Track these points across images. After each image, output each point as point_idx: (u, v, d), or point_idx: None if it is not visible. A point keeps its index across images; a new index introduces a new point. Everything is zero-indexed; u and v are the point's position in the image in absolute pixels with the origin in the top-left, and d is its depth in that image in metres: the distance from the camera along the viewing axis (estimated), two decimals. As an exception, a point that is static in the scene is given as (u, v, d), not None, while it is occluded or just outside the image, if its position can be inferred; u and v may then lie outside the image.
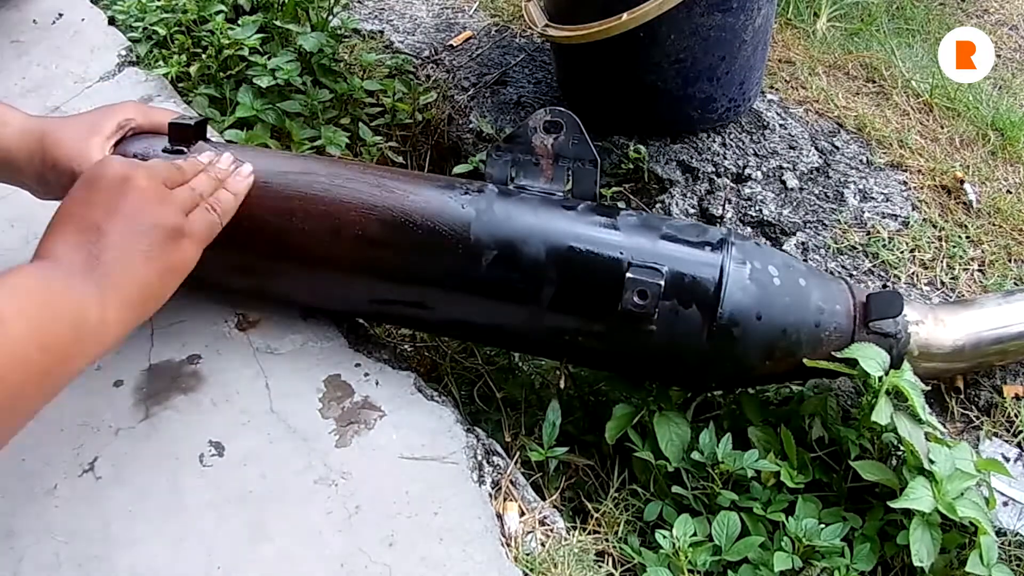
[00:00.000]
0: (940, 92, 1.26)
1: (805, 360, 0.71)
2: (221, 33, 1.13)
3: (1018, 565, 0.74)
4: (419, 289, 0.72)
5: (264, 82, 1.08)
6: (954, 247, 1.00)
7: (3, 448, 0.53)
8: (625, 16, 0.97)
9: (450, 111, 1.31)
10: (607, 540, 0.73)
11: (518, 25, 1.44)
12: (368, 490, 0.66)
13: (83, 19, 1.22)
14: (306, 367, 0.75)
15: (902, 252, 1.00)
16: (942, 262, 0.99)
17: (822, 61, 1.35)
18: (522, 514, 0.68)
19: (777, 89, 1.27)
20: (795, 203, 1.08)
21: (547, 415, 0.79)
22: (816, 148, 1.15)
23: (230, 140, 1.03)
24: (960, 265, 0.99)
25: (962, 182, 1.09)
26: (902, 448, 0.72)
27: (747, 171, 1.12)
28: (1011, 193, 1.08)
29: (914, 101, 1.26)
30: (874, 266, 0.99)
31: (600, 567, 0.68)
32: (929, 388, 0.73)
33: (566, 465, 0.80)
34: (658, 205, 1.12)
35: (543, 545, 0.66)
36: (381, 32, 1.45)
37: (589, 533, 0.72)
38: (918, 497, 0.66)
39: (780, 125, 1.18)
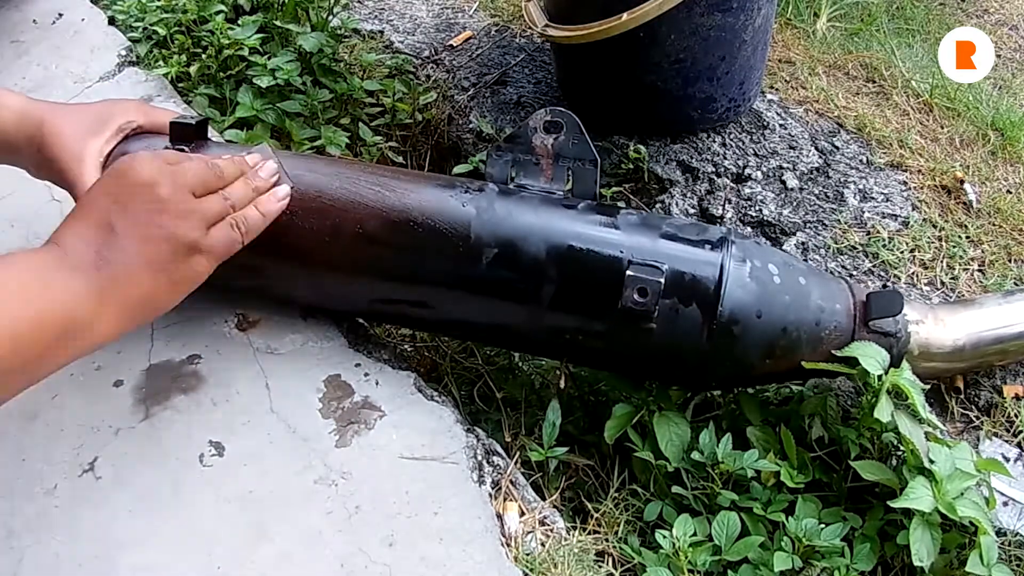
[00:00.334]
0: (940, 92, 1.26)
1: (804, 363, 0.71)
2: (221, 33, 1.13)
3: (1018, 565, 0.74)
4: (419, 288, 0.72)
5: (264, 82, 1.08)
6: (954, 247, 1.00)
7: None
8: (625, 16, 0.97)
9: (450, 111, 1.31)
10: (607, 540, 0.73)
11: (518, 25, 1.44)
12: (368, 490, 0.66)
13: (83, 19, 1.22)
14: (306, 367, 0.75)
15: (902, 252, 1.00)
16: (942, 262, 0.99)
17: (822, 61, 1.35)
18: (522, 514, 0.68)
19: (777, 89, 1.27)
20: (795, 203, 1.08)
21: (547, 415, 0.79)
22: (816, 148, 1.15)
23: (230, 140, 1.03)
24: (960, 265, 0.99)
25: (962, 182, 1.09)
26: (902, 448, 0.72)
27: (747, 171, 1.12)
28: (1011, 193, 1.08)
29: (914, 101, 1.26)
30: (874, 266, 0.99)
31: (600, 567, 0.68)
32: (929, 388, 0.73)
33: (566, 465, 0.80)
34: (658, 205, 1.12)
35: (543, 545, 0.66)
36: (381, 32, 1.45)
37: (589, 533, 0.72)
38: (918, 497, 0.66)
39: (780, 125, 1.18)
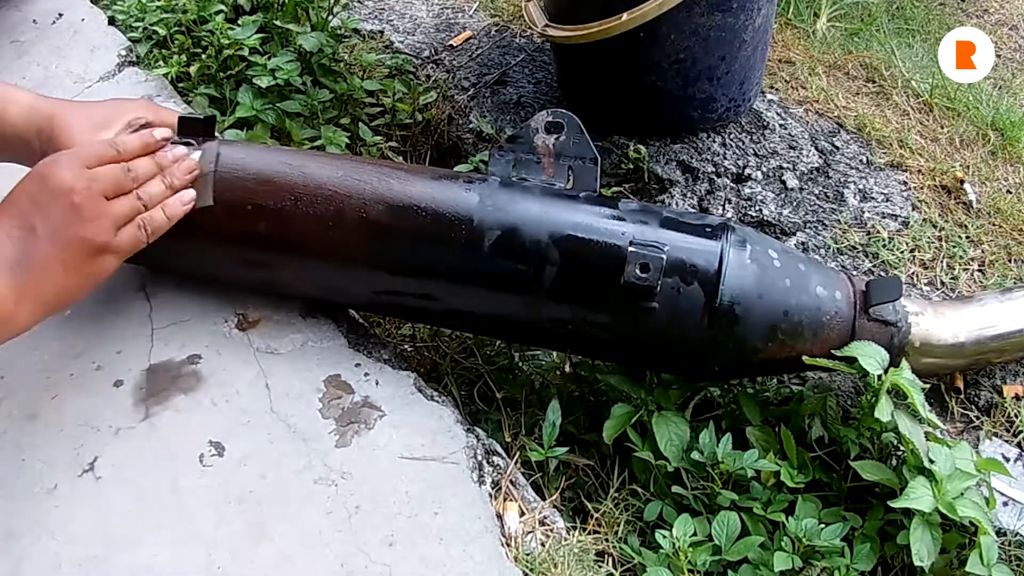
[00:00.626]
0: (940, 92, 1.26)
1: (805, 358, 0.71)
2: (221, 33, 1.13)
3: (1018, 565, 0.74)
4: (422, 274, 0.72)
5: (264, 82, 1.08)
6: (954, 247, 1.00)
7: None
8: (625, 16, 0.97)
9: (450, 111, 1.31)
10: (607, 540, 0.73)
11: (518, 25, 1.44)
12: (368, 490, 0.66)
13: (83, 19, 1.22)
14: (306, 367, 0.75)
15: (902, 252, 1.00)
16: (942, 262, 0.99)
17: (822, 61, 1.34)
18: (522, 514, 0.68)
19: (777, 89, 1.27)
20: (795, 203, 1.08)
21: (547, 415, 0.79)
22: (816, 148, 1.15)
23: (230, 140, 1.03)
24: (960, 265, 0.99)
25: (962, 182, 1.09)
26: (902, 448, 0.72)
27: (747, 171, 1.12)
28: (1011, 193, 1.08)
29: (914, 101, 1.26)
30: (874, 266, 0.99)
31: (600, 567, 0.68)
32: (928, 388, 0.73)
33: (566, 465, 0.80)
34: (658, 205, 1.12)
35: (543, 545, 0.66)
36: (381, 32, 1.45)
37: (589, 533, 0.72)
38: (918, 497, 0.66)
39: (780, 125, 1.18)
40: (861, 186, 1.09)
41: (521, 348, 0.98)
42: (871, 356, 0.70)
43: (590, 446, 0.83)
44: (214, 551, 0.62)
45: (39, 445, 0.68)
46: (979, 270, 0.98)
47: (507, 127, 1.24)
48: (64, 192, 0.64)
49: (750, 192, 1.09)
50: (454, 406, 0.75)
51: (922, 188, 1.09)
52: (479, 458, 0.70)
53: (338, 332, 0.78)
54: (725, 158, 1.14)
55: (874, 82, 1.31)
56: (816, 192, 1.09)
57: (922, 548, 0.66)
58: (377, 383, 0.74)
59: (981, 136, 1.18)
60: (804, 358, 0.73)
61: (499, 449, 0.73)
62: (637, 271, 0.68)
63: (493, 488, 0.68)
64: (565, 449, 0.78)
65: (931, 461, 0.68)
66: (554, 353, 0.93)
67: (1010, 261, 0.99)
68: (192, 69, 1.13)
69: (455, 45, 1.42)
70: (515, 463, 0.72)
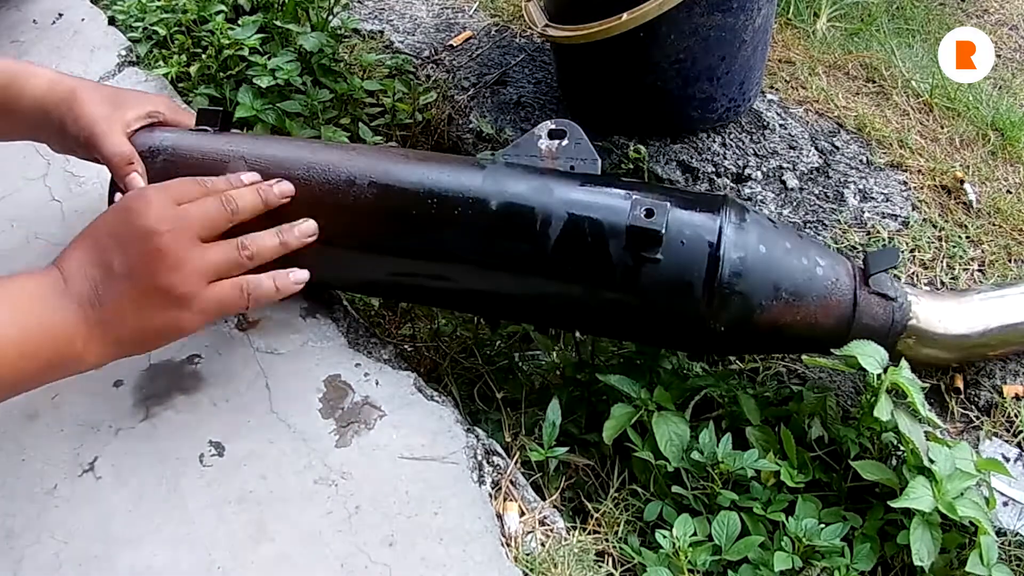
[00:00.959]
0: (940, 92, 1.26)
1: (804, 357, 0.71)
2: (221, 33, 1.13)
3: (1018, 565, 0.74)
4: (432, 243, 0.73)
5: (264, 82, 1.08)
6: (954, 247, 1.00)
7: None
8: (625, 16, 0.97)
9: (450, 111, 1.31)
10: (607, 540, 0.73)
11: (518, 25, 1.44)
12: (368, 490, 0.66)
13: (83, 19, 1.22)
14: (306, 367, 0.75)
15: (902, 252, 1.00)
16: (942, 262, 0.99)
17: (822, 61, 1.34)
18: (522, 514, 0.68)
19: (777, 89, 1.27)
20: (795, 203, 1.08)
21: (547, 415, 0.79)
22: (816, 148, 1.15)
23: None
24: (960, 265, 0.99)
25: (962, 182, 1.09)
26: (902, 447, 0.72)
27: (747, 171, 1.12)
28: (1011, 193, 1.08)
29: (914, 101, 1.26)
30: (874, 266, 0.99)
31: (600, 567, 0.68)
32: (929, 387, 0.73)
33: (566, 465, 0.80)
34: (658, 205, 1.12)
35: (543, 545, 0.66)
36: (381, 32, 1.45)
37: (589, 533, 0.72)
38: (918, 497, 0.66)
39: (780, 125, 1.18)
40: (861, 186, 1.09)
41: (521, 348, 0.98)
42: (870, 355, 0.70)
43: (590, 446, 0.83)
44: (214, 551, 0.62)
45: (39, 445, 0.68)
46: (979, 270, 0.98)
47: (507, 127, 1.24)
48: (148, 232, 0.59)
49: (750, 192, 1.09)
50: (454, 406, 0.75)
51: (922, 188, 1.09)
52: (479, 458, 0.70)
53: (338, 332, 0.78)
54: (725, 158, 1.14)
55: (874, 82, 1.31)
56: (816, 192, 1.09)
57: (922, 548, 0.66)
58: (377, 383, 0.74)
59: (981, 136, 1.18)
60: (804, 357, 0.73)
61: (499, 449, 0.73)
62: (643, 215, 0.68)
63: (493, 488, 0.68)
64: (565, 449, 0.78)
65: (931, 461, 0.68)
66: (554, 353, 0.93)
67: (1010, 261, 0.99)
68: (192, 69, 1.13)
69: (455, 45, 1.42)
70: (515, 463, 0.72)
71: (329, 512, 0.65)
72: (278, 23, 1.19)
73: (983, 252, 1.00)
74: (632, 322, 0.75)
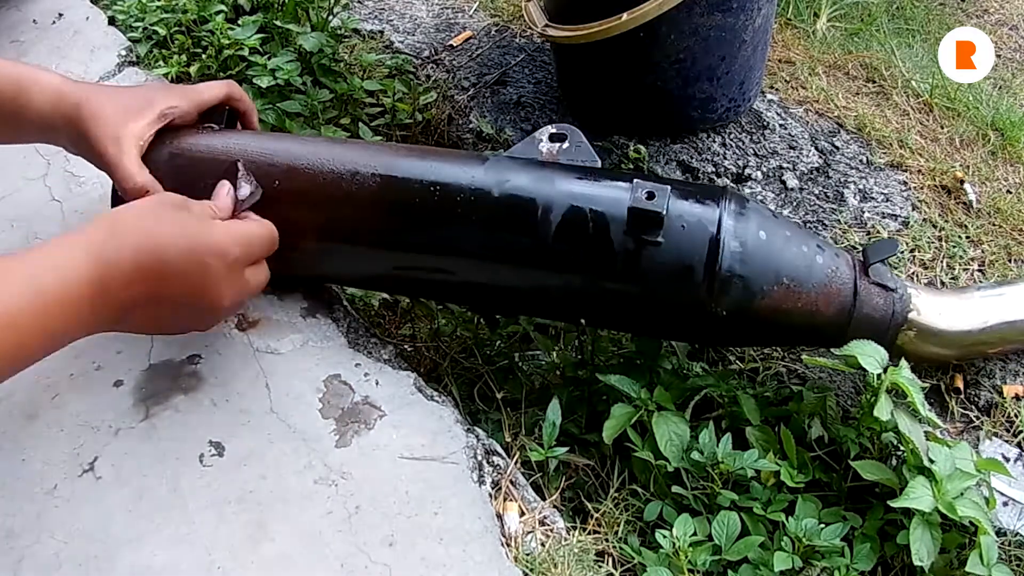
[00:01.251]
0: (940, 92, 1.26)
1: (804, 357, 0.71)
2: (221, 33, 1.13)
3: (1018, 565, 0.74)
4: (435, 234, 0.73)
5: (264, 82, 1.08)
6: (954, 247, 1.00)
7: None
8: (625, 16, 0.97)
9: (450, 111, 1.31)
10: (607, 540, 0.73)
11: (518, 25, 1.44)
12: (368, 490, 0.66)
13: (83, 19, 1.22)
14: (306, 367, 0.75)
15: (902, 252, 1.00)
16: (942, 262, 0.99)
17: (822, 61, 1.34)
18: (522, 514, 0.68)
19: (777, 89, 1.27)
20: (795, 203, 1.08)
21: (547, 415, 0.79)
22: (816, 148, 1.15)
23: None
24: (960, 265, 0.99)
25: (962, 182, 1.09)
26: (902, 447, 0.72)
27: (747, 171, 1.12)
28: (1011, 193, 1.08)
29: (914, 101, 1.26)
30: (874, 266, 0.99)
31: (600, 567, 0.68)
32: (928, 387, 0.73)
33: (566, 465, 0.80)
34: (658, 205, 1.12)
35: (543, 545, 0.66)
36: (381, 32, 1.45)
37: (589, 533, 0.72)
38: (918, 496, 0.66)
39: (780, 125, 1.18)
40: (861, 186, 1.09)
41: (521, 348, 0.98)
42: (870, 355, 0.70)
43: (590, 446, 0.83)
44: (214, 551, 0.62)
45: (39, 445, 0.68)
46: (979, 270, 0.98)
47: (507, 127, 1.24)
48: (212, 306, 0.64)
49: (750, 192, 1.09)
50: (454, 406, 0.75)
51: (922, 188, 1.09)
52: (479, 458, 0.70)
53: (338, 332, 0.78)
54: (725, 158, 1.14)
55: (874, 82, 1.31)
56: (816, 192, 1.09)
57: (922, 548, 0.66)
58: (377, 383, 0.74)
59: (981, 136, 1.18)
60: (804, 357, 0.73)
61: (499, 449, 0.73)
62: (644, 197, 0.69)
63: (493, 488, 0.68)
64: (565, 449, 0.78)
65: (931, 461, 0.68)
66: (554, 353, 0.93)
67: (1010, 261, 0.99)
68: (192, 69, 1.13)
69: (455, 45, 1.42)
70: (515, 463, 0.72)
71: (329, 512, 0.65)
72: (278, 23, 1.19)
73: (983, 252, 1.00)
74: (634, 310, 0.75)
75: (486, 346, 0.97)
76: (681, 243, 0.70)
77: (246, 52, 1.13)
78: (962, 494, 0.67)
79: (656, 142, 1.16)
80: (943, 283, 0.97)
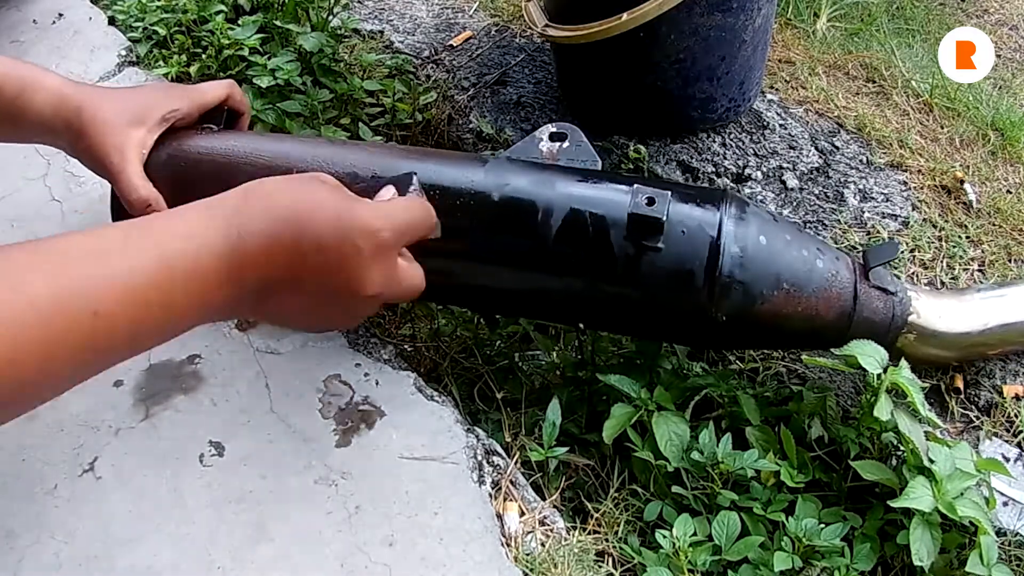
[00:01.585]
0: (940, 92, 1.26)
1: (804, 356, 0.71)
2: (221, 33, 1.13)
3: (1018, 565, 0.74)
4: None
5: (264, 82, 1.08)
6: (954, 247, 1.00)
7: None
8: (625, 16, 0.97)
9: (450, 111, 1.31)
10: (607, 540, 0.73)
11: (518, 25, 1.44)
12: (368, 490, 0.66)
13: (83, 19, 1.22)
14: (306, 367, 0.75)
15: (902, 252, 1.00)
16: (942, 262, 0.99)
17: (822, 61, 1.34)
18: (522, 514, 0.68)
19: (777, 89, 1.27)
20: (795, 203, 1.08)
21: (547, 415, 0.79)
22: (816, 148, 1.15)
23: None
24: (960, 265, 0.99)
25: (962, 182, 1.09)
26: (902, 447, 0.72)
27: (747, 171, 1.12)
28: (1011, 193, 1.08)
29: (914, 101, 1.26)
30: (874, 266, 0.99)
31: (600, 567, 0.68)
32: (928, 387, 0.73)
33: (566, 465, 0.80)
34: (658, 205, 1.12)
35: (543, 545, 0.66)
36: (381, 32, 1.45)
37: (589, 533, 0.72)
38: (918, 496, 0.66)
39: (780, 125, 1.18)
40: (861, 186, 1.09)
41: (521, 348, 0.98)
42: (870, 355, 0.70)
43: (590, 446, 0.83)
44: (214, 551, 0.62)
45: (39, 445, 0.68)
46: (979, 270, 0.98)
47: (507, 127, 1.24)
48: (358, 295, 0.56)
49: (750, 192, 1.09)
50: (454, 406, 0.75)
51: (922, 188, 1.09)
52: (479, 458, 0.70)
53: (338, 332, 0.78)
54: (725, 158, 1.14)
55: (874, 82, 1.31)
56: (816, 192, 1.09)
57: (922, 548, 0.66)
58: (377, 383, 0.74)
59: (981, 136, 1.18)
60: (804, 357, 0.73)
61: (499, 449, 0.73)
62: (644, 202, 0.69)
63: (493, 488, 0.68)
64: (565, 449, 0.78)
65: (931, 461, 0.68)
66: (554, 353, 0.93)
67: (1010, 261, 0.99)
68: (192, 69, 1.13)
69: (455, 45, 1.42)
70: (515, 463, 0.72)
71: (329, 512, 0.65)
72: (278, 23, 1.19)
73: (983, 252, 1.00)
74: (634, 314, 0.75)
75: (486, 346, 0.97)
76: (681, 248, 0.70)
77: (246, 52, 1.13)
78: (962, 494, 0.67)
79: (656, 142, 1.16)
80: (943, 283, 0.97)
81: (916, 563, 0.66)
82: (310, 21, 1.24)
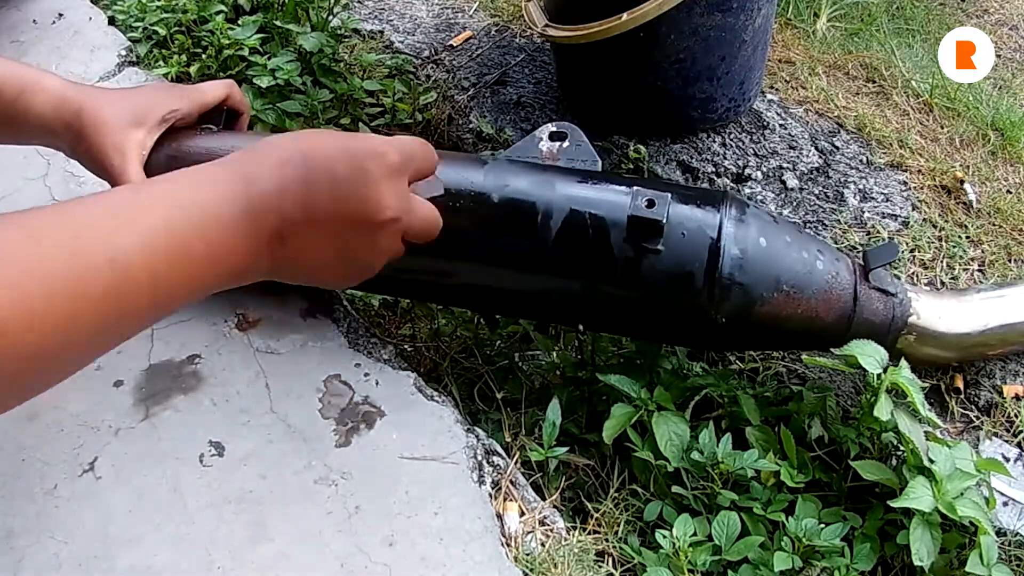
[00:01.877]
0: (940, 92, 1.26)
1: (804, 356, 0.71)
2: (221, 33, 1.13)
3: (1018, 565, 0.74)
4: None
5: (264, 82, 1.08)
6: (954, 247, 1.00)
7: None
8: (625, 16, 0.97)
9: (450, 111, 1.31)
10: (607, 540, 0.73)
11: (518, 25, 1.44)
12: (368, 490, 0.66)
13: (83, 19, 1.22)
14: (306, 367, 0.75)
15: (902, 252, 1.00)
16: (942, 262, 0.99)
17: (822, 61, 1.34)
18: (522, 514, 0.68)
19: (777, 89, 1.27)
20: (795, 203, 1.08)
21: (547, 415, 0.79)
22: (816, 148, 1.15)
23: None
24: (960, 265, 0.99)
25: (962, 182, 1.09)
26: (902, 447, 0.72)
27: (747, 171, 1.12)
28: (1011, 193, 1.08)
29: (914, 101, 1.26)
30: (874, 266, 0.99)
31: (600, 567, 0.68)
32: (928, 387, 0.73)
33: (566, 465, 0.80)
34: (658, 205, 1.12)
35: (543, 545, 0.66)
36: (381, 32, 1.45)
37: (589, 533, 0.72)
38: (918, 496, 0.66)
39: (780, 125, 1.18)
40: (861, 186, 1.09)
41: (521, 348, 0.98)
42: (870, 355, 0.70)
43: (590, 446, 0.83)
44: (214, 551, 0.62)
45: (39, 445, 0.68)
46: (979, 270, 0.98)
47: (507, 127, 1.24)
48: (374, 221, 0.56)
49: (750, 192, 1.09)
50: (454, 406, 0.75)
51: (922, 188, 1.09)
52: (479, 458, 0.70)
53: (338, 332, 0.78)
54: (725, 158, 1.14)
55: (874, 82, 1.31)
56: (816, 192, 1.09)
57: (922, 548, 0.66)
58: (377, 383, 0.74)
59: (981, 136, 1.18)
60: (804, 357, 0.73)
61: (499, 449, 0.73)
62: (643, 205, 0.69)
63: (493, 488, 0.68)
64: (565, 449, 0.78)
65: (931, 461, 0.68)
66: (554, 353, 0.93)
67: (1010, 261, 0.99)
68: (192, 69, 1.13)
69: (455, 45, 1.42)
70: (515, 463, 0.72)
71: (329, 512, 0.65)
72: (278, 23, 1.19)
73: (983, 252, 1.00)
74: (634, 315, 0.75)
75: (486, 346, 0.97)
76: (681, 250, 0.70)
77: (246, 52, 1.13)
78: (962, 494, 0.67)
79: (656, 142, 1.16)
80: (943, 283, 0.97)
81: (916, 563, 0.66)
82: (310, 21, 1.24)
